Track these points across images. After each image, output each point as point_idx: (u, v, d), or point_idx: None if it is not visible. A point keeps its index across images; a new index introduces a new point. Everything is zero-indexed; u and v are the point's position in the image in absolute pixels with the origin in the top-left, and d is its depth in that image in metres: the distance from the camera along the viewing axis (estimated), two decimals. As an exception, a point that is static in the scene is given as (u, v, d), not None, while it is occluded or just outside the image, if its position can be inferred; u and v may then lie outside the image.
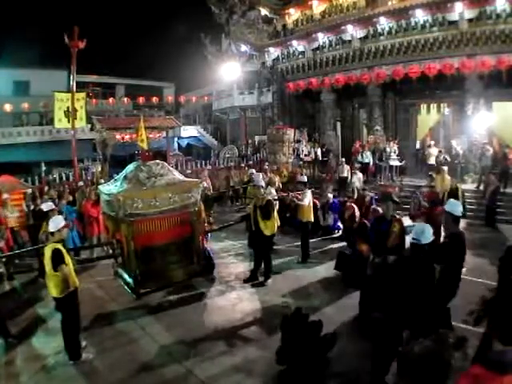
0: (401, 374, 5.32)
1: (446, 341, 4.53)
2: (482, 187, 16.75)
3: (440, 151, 20.09)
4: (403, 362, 5.67)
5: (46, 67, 38.64)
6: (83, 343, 6.96)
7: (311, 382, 5.65)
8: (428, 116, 25.30)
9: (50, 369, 6.57)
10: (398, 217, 7.77)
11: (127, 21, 52.22)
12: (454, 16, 19.70)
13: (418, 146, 25.18)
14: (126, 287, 9.06)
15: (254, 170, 15.68)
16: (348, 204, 13.41)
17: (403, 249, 7.47)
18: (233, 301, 9.05)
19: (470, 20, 19.38)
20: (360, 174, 18.45)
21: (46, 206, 10.64)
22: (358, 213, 12.44)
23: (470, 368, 2.60)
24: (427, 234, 5.39)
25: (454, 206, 6.62)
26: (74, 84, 19.54)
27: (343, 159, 21.37)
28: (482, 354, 2.72)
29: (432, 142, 20.68)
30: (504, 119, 21.06)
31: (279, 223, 11.15)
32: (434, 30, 20.69)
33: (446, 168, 14.53)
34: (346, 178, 20.19)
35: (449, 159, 18.76)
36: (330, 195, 15.14)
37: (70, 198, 14.03)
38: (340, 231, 14.12)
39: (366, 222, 9.81)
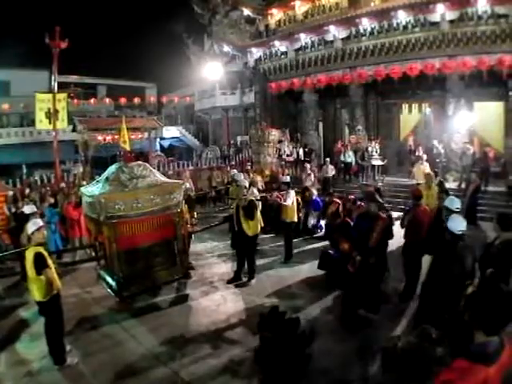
0: (385, 369, 5.37)
1: (430, 336, 4.56)
2: (463, 185, 16.93)
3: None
4: (388, 357, 5.73)
5: (27, 67, 38.17)
6: (68, 347, 6.89)
7: (292, 378, 5.67)
8: (410, 116, 25.53)
9: (35, 374, 6.50)
10: (382, 215, 7.79)
11: (109, 20, 51.89)
12: (435, 17, 19.96)
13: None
14: (109, 290, 8.99)
15: (235, 171, 15.69)
16: (333, 200, 13.49)
17: (385, 247, 7.50)
18: (217, 301, 9.05)
19: (452, 21, 19.66)
20: (312, 176, 18.51)
21: (28, 209, 10.55)
22: (341, 209, 12.53)
23: (454, 362, 2.62)
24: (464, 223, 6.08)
25: (452, 202, 7.07)
26: (56, 84, 19.36)
27: (328, 159, 21.47)
28: (464, 347, 2.75)
29: (424, 156, 18.56)
30: (484, 119, 21.30)
31: (262, 223, 11.18)
32: (415, 31, 20.91)
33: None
34: (331, 177, 20.34)
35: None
36: (314, 191, 15.21)
37: (52, 201, 13.89)
38: (322, 230, 14.15)
39: (348, 220, 9.85)
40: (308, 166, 19.93)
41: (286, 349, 5.60)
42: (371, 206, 7.79)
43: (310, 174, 18.25)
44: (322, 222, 14.27)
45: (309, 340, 6.02)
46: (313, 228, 14.53)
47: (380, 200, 9.10)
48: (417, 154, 20.34)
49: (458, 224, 6.03)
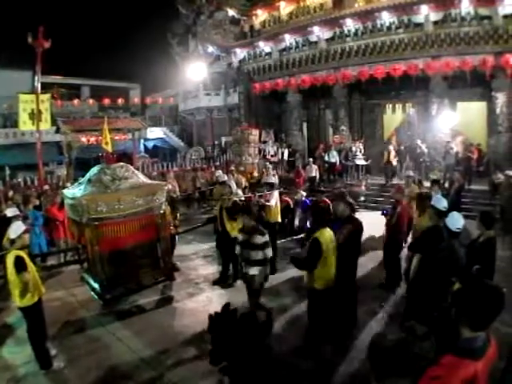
0: (371, 366, 5.37)
1: (415, 332, 4.57)
2: (446, 185, 17.06)
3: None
4: (374, 354, 5.72)
5: (9, 67, 37.71)
6: (53, 351, 6.84)
7: (254, 372, 5.61)
8: (393, 116, 25.64)
9: (21, 379, 6.43)
10: (354, 217, 7.63)
11: (93, 21, 51.59)
12: (419, 18, 20.22)
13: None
14: (92, 293, 8.92)
15: (220, 172, 15.66)
16: (322, 199, 13.53)
17: (353, 249, 7.23)
18: (202, 303, 9.02)
19: (436, 22, 19.93)
20: (277, 177, 18.52)
21: (10, 212, 10.39)
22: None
23: (441, 358, 2.63)
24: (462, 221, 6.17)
25: (438, 201, 7.11)
26: (39, 85, 19.17)
27: (311, 159, 21.55)
28: (451, 343, 2.77)
29: (411, 173, 14.79)
30: (467, 119, 21.49)
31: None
32: (399, 32, 21.12)
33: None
34: (315, 177, 20.43)
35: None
36: (303, 193, 15.20)
37: (37, 202, 13.73)
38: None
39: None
40: (271, 166, 20.01)
41: (239, 346, 5.53)
42: (339, 206, 7.69)
43: (274, 175, 18.26)
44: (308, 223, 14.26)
45: (265, 333, 5.96)
46: (299, 229, 14.47)
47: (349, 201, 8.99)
48: (405, 172, 17.16)
49: (455, 221, 6.09)
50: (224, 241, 10.26)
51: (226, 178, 12.46)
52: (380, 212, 10.13)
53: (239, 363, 5.39)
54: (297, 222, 14.57)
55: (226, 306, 5.77)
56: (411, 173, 12.69)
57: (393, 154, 20.68)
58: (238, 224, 10.06)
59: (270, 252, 7.45)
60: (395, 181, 19.79)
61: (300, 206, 14.64)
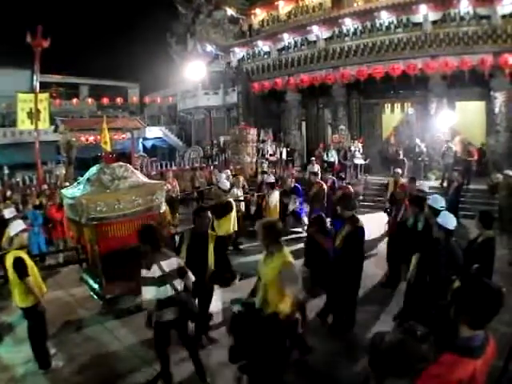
0: (371, 366, 5.36)
1: (415, 333, 4.57)
2: (445, 184, 17.09)
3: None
4: (374, 354, 5.71)
5: (7, 66, 37.64)
6: (52, 351, 6.82)
7: (273, 374, 5.59)
8: (392, 115, 25.65)
9: (20, 379, 6.43)
10: (355, 217, 7.21)
11: (91, 20, 51.58)
12: (418, 18, 20.23)
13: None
14: (91, 293, 8.90)
15: (217, 171, 15.63)
16: (317, 181, 13.55)
17: (351, 251, 6.98)
18: (200, 303, 9.00)
19: (434, 22, 19.93)
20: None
21: (8, 213, 10.35)
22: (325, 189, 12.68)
23: (441, 356, 2.64)
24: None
25: (436, 200, 7.22)
26: (38, 84, 19.14)
27: (313, 158, 21.46)
28: (450, 342, 2.78)
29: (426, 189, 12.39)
30: (466, 118, 21.51)
31: (236, 226, 11.14)
32: (398, 32, 21.14)
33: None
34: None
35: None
36: (289, 180, 15.14)
37: (37, 202, 13.69)
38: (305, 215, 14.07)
39: (322, 214, 9.68)
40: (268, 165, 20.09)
41: (262, 345, 5.49)
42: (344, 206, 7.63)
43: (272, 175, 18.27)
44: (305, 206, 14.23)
45: (290, 335, 5.91)
46: (297, 213, 14.40)
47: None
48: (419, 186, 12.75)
49: (451, 220, 6.15)
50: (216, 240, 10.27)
51: (224, 177, 12.43)
52: (383, 210, 10.15)
53: (260, 363, 5.37)
54: (290, 208, 14.47)
55: (250, 305, 5.70)
56: (426, 188, 12.02)
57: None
58: (225, 222, 10.07)
59: None
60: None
61: (292, 191, 14.63)
